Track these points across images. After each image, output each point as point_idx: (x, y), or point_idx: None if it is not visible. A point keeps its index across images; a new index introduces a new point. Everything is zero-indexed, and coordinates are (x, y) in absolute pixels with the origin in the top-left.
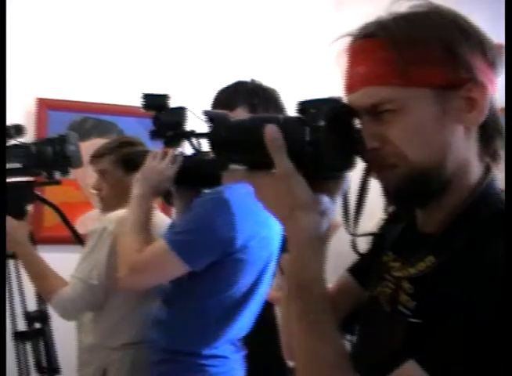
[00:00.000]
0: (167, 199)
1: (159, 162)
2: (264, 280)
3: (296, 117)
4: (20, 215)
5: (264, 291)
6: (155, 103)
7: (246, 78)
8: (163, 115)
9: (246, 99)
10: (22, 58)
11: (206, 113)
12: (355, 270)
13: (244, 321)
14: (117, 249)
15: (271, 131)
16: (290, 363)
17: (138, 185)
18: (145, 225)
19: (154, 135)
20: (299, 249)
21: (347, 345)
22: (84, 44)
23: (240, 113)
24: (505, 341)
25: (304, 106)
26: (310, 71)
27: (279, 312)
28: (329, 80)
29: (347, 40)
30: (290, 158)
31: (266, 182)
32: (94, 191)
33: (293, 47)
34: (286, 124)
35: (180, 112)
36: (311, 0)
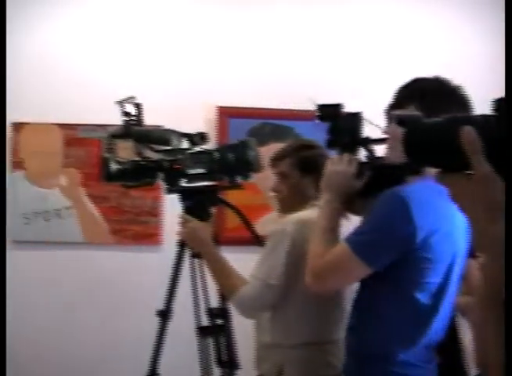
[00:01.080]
0: (350, 206)
1: (339, 166)
2: (452, 282)
3: (493, 117)
4: (205, 217)
5: (453, 294)
6: (329, 113)
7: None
8: (339, 122)
9: (418, 97)
10: (203, 70)
11: (398, 116)
12: None
13: (437, 326)
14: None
15: (468, 134)
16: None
17: (324, 191)
18: (330, 231)
19: (331, 143)
20: (500, 258)
21: None
22: (259, 54)
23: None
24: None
25: (500, 105)
26: None
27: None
28: None
29: None
30: (488, 160)
31: (463, 184)
32: (273, 193)
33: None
34: (484, 124)
35: (356, 118)
36: None
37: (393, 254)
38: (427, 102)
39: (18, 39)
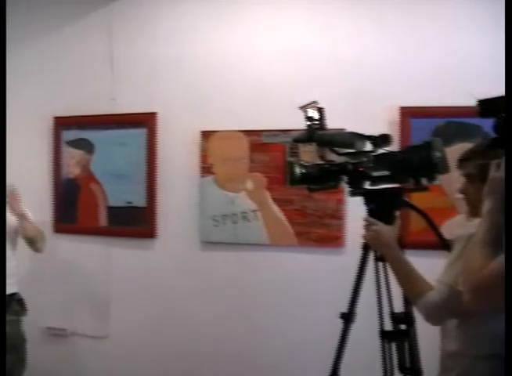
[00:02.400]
0: None
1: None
2: None
3: None
4: (390, 219)
5: None
6: (493, 108)
7: None
8: (503, 118)
9: None
10: (383, 71)
11: None
12: None
13: None
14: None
15: None
16: None
17: (487, 198)
18: (493, 242)
19: (495, 143)
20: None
21: None
22: (439, 49)
23: None
24: None
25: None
26: None
27: None
28: None
29: None
30: None
31: None
32: (460, 196)
33: None
34: None
35: None
36: None
37: None
38: None
39: (203, 51)
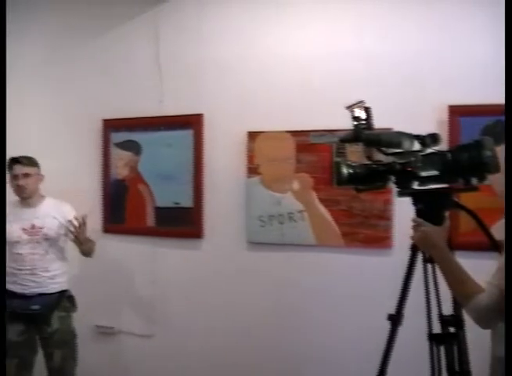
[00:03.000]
0: None
1: None
2: None
3: None
4: (439, 220)
5: None
6: None
7: None
8: None
9: None
10: (430, 68)
11: None
12: None
13: None
14: None
15: None
16: None
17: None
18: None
19: None
20: None
21: None
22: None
23: None
24: None
25: None
26: None
27: None
28: None
29: None
30: None
31: None
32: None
33: None
34: None
35: None
36: None
37: None
38: None
39: (249, 52)
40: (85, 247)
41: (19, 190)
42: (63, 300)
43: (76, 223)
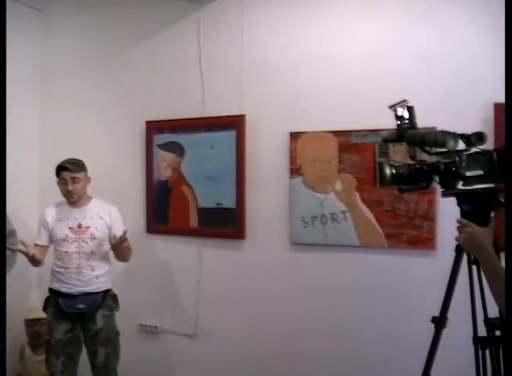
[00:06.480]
0: None
1: None
2: None
3: None
4: (484, 221)
5: None
6: None
7: None
8: None
9: None
10: (476, 66)
11: None
12: None
13: None
14: None
15: None
16: None
17: None
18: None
19: None
20: None
21: None
22: None
23: None
24: None
25: None
26: None
27: None
28: None
29: None
30: None
31: None
32: None
33: None
34: None
35: None
36: None
37: None
38: None
39: (291, 53)
40: (122, 256)
41: (67, 195)
42: (108, 299)
43: (118, 237)
